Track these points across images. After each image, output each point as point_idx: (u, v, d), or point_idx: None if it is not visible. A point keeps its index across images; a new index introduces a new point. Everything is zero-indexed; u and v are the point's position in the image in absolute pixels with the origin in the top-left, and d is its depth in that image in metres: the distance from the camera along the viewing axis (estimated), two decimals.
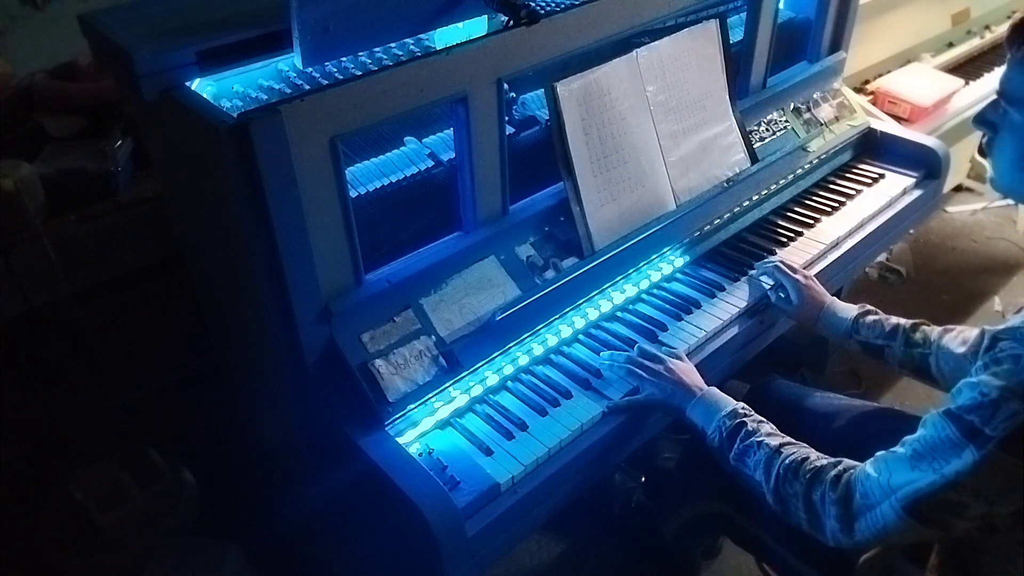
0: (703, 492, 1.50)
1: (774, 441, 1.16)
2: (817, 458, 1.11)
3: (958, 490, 0.95)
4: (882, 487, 1.01)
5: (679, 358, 1.36)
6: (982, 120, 1.08)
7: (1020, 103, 1.01)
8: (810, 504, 1.07)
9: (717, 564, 1.87)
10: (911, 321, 1.39)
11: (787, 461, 1.11)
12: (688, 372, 1.32)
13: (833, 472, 1.07)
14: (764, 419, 1.22)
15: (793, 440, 1.17)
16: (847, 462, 1.08)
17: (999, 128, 1.05)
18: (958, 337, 1.32)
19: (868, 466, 1.04)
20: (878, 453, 1.05)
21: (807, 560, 1.28)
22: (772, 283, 1.55)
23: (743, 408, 1.23)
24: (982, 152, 1.11)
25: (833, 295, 1.55)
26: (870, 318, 1.43)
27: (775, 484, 1.12)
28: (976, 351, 1.24)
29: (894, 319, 1.41)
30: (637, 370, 1.33)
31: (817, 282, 1.55)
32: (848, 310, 1.46)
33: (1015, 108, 1.02)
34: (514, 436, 1.26)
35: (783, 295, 1.53)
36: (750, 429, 1.18)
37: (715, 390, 1.28)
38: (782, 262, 1.57)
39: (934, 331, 1.36)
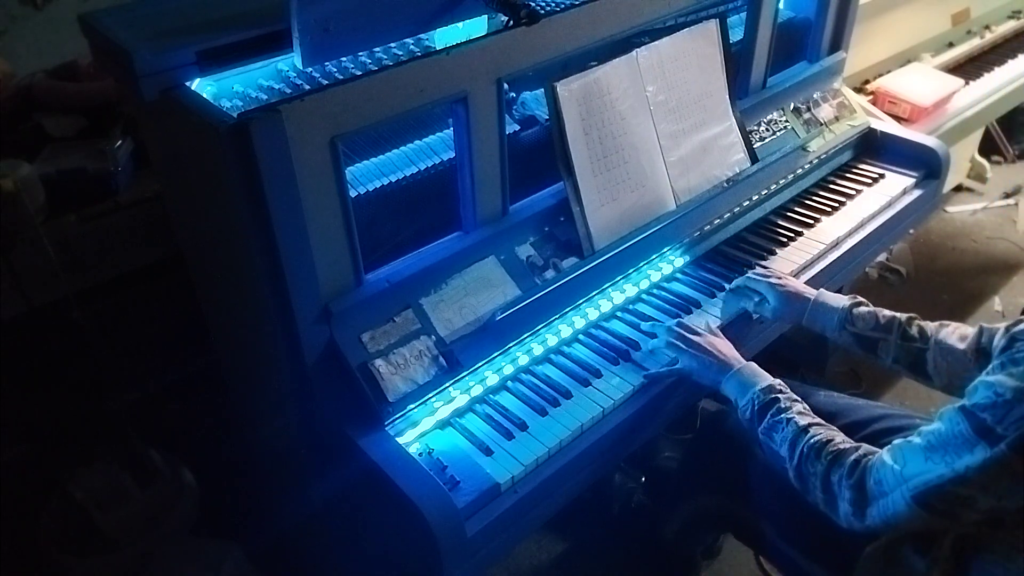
0: (704, 489, 1.50)
1: (803, 420, 1.18)
2: (841, 441, 1.13)
3: (967, 484, 0.97)
4: (895, 476, 1.03)
5: (715, 334, 1.39)
6: None
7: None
8: (828, 485, 1.11)
9: (717, 564, 1.87)
10: (906, 315, 1.38)
11: (811, 441, 1.15)
12: (725, 347, 1.36)
13: (852, 457, 1.10)
14: (799, 399, 1.25)
15: (822, 421, 1.20)
16: (867, 448, 1.11)
17: None
18: (955, 333, 1.32)
19: (885, 454, 1.07)
20: (896, 441, 1.07)
21: (809, 555, 1.29)
22: (756, 298, 1.51)
23: (780, 384, 1.26)
24: None
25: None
26: (864, 309, 1.41)
27: (798, 462, 1.15)
28: (976, 347, 1.25)
29: (888, 312, 1.40)
30: (677, 342, 1.36)
31: (794, 279, 1.53)
32: (840, 300, 1.44)
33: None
34: (514, 436, 1.26)
35: (757, 300, 1.50)
36: (782, 406, 1.21)
37: (753, 365, 1.31)
38: (752, 272, 1.54)
39: (929, 326, 1.36)
